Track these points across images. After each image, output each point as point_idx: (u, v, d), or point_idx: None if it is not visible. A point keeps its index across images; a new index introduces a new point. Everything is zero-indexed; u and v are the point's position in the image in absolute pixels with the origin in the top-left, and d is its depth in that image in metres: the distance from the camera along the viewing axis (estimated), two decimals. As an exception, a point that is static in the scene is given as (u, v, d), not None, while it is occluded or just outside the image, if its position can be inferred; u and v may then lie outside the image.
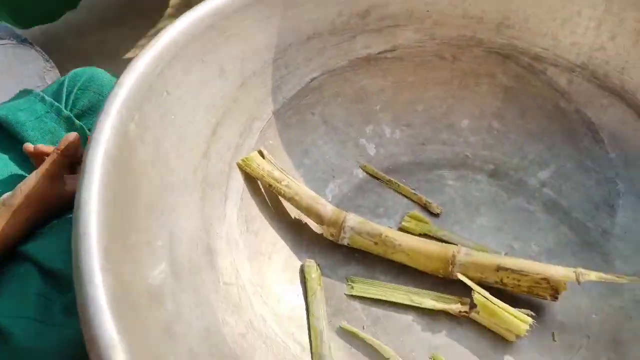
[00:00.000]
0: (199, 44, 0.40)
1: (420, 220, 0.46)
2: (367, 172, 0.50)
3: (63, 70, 0.75)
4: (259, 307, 0.39)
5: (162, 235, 0.34)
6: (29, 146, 0.45)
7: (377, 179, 0.50)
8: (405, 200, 0.48)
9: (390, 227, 0.46)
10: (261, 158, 0.46)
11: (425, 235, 0.45)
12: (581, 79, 0.47)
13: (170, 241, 0.35)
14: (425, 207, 0.47)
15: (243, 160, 0.45)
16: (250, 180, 0.46)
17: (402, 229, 0.46)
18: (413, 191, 0.48)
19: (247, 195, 0.45)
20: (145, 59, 0.35)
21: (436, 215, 0.47)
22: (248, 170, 0.45)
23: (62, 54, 0.85)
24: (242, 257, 0.42)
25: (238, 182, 0.45)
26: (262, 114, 0.48)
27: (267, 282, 0.42)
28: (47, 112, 0.49)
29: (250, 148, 0.47)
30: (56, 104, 0.49)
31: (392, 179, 0.49)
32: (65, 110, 0.49)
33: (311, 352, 0.38)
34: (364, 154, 0.51)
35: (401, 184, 0.49)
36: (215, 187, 0.43)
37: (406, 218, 0.46)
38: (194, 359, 0.29)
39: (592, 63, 0.47)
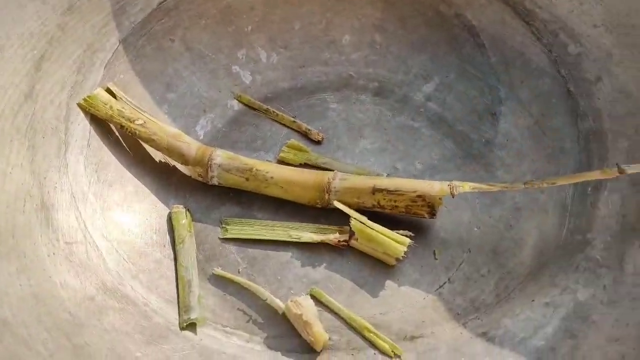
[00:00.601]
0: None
1: (299, 149, 0.43)
2: (243, 103, 0.46)
3: None
4: (114, 264, 0.35)
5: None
6: None
7: (254, 109, 0.45)
8: (285, 129, 0.45)
9: (269, 160, 0.43)
10: (108, 95, 0.41)
11: (305, 165, 0.42)
12: (458, -21, 0.45)
13: (-23, 201, 0.29)
14: (305, 135, 0.44)
15: (85, 100, 0.40)
16: (100, 122, 0.40)
17: (280, 161, 0.43)
18: (293, 119, 0.45)
19: (96, 140, 0.40)
20: None
21: (318, 142, 0.44)
22: (92, 110, 0.40)
23: None
24: (92, 210, 0.37)
25: (82, 125, 0.40)
26: (106, 44, 0.42)
27: (126, 235, 0.38)
28: None
29: (95, 85, 0.41)
30: None
31: (269, 108, 0.45)
32: None
33: (178, 305, 0.35)
34: (238, 83, 0.46)
35: (279, 113, 0.45)
36: (48, 134, 0.37)
37: (284, 148, 0.43)
38: (6, 331, 0.25)
39: (468, -42, 0.44)
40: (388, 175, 0.42)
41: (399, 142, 0.44)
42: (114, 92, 0.41)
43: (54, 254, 0.33)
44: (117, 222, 0.38)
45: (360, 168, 0.42)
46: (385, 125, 0.45)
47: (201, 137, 0.44)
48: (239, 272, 0.38)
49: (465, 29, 0.46)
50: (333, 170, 0.40)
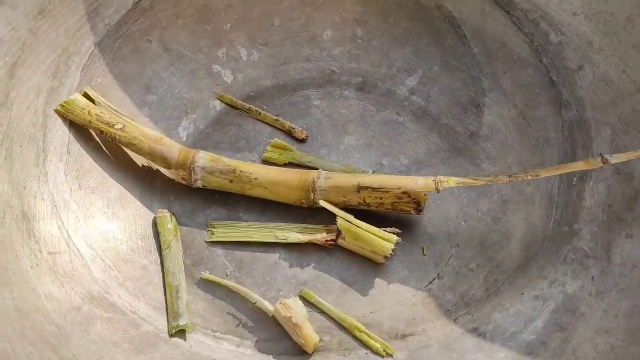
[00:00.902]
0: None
1: (283, 148, 0.43)
2: (225, 102, 0.45)
3: None
4: (100, 273, 0.35)
5: None
6: None
7: (236, 108, 0.45)
8: (268, 128, 0.45)
9: (253, 161, 0.43)
10: (86, 100, 0.40)
11: (290, 164, 0.42)
12: (437, -31, 0.45)
13: (-47, 216, 0.29)
14: (289, 133, 0.44)
15: (62, 105, 0.39)
16: (79, 128, 0.40)
17: (265, 161, 0.42)
18: (276, 117, 0.44)
19: (76, 146, 0.40)
20: None
21: (302, 140, 0.44)
22: (70, 116, 0.39)
23: None
24: (74, 218, 0.37)
25: (61, 132, 0.39)
26: (81, 47, 0.41)
27: (111, 243, 0.37)
28: None
29: (72, 90, 0.40)
30: None
31: (252, 107, 0.45)
32: None
33: (166, 312, 0.35)
34: (220, 83, 0.46)
35: (262, 111, 0.45)
36: (26, 143, 0.36)
37: (268, 148, 0.43)
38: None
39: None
40: (374, 171, 0.42)
41: (383, 137, 0.44)
42: (92, 96, 0.41)
43: (37, 265, 0.32)
44: (101, 229, 0.38)
45: (345, 165, 0.42)
46: (369, 120, 0.45)
47: (184, 139, 0.44)
48: (226, 275, 0.38)
49: (447, 20, 0.46)
50: (317, 169, 0.40)
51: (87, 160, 0.39)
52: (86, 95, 0.41)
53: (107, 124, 0.40)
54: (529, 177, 0.34)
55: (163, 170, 0.41)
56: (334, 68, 0.47)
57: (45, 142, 0.38)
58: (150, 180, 0.41)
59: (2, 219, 0.32)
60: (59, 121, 0.39)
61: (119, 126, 0.40)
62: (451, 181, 0.35)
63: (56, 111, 0.39)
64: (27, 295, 0.30)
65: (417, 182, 0.36)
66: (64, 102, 0.39)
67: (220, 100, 0.46)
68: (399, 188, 0.37)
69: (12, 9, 0.37)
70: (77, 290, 0.33)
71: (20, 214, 0.34)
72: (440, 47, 0.46)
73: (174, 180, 0.41)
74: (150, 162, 0.41)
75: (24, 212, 0.34)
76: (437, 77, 0.46)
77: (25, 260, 0.32)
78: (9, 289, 0.30)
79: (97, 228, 0.37)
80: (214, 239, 0.39)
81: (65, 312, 0.31)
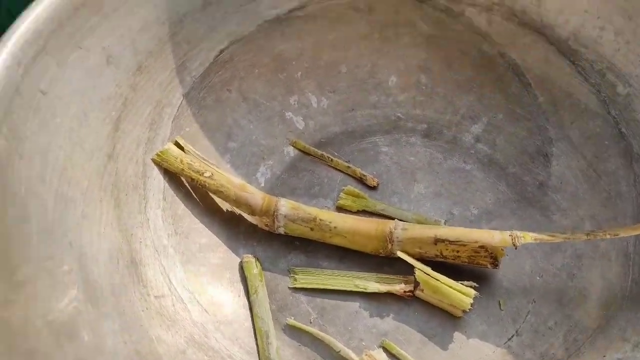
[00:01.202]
0: (70, 29, 0.36)
1: (356, 196, 0.46)
2: (298, 149, 0.49)
3: None
4: (199, 317, 0.39)
5: (68, 259, 0.32)
6: None
7: (309, 154, 0.49)
8: (340, 175, 0.48)
9: (328, 208, 0.46)
10: (178, 149, 0.45)
11: (364, 212, 0.46)
12: (500, 18, 0.47)
13: (81, 263, 0.33)
14: (361, 180, 0.47)
15: (158, 155, 0.43)
16: (172, 175, 0.44)
17: (339, 208, 0.46)
18: (347, 164, 0.48)
19: (170, 193, 0.44)
20: (-1, 60, 0.32)
21: (373, 188, 0.47)
22: (165, 165, 0.44)
23: None
24: (173, 263, 0.41)
25: (157, 180, 0.43)
26: (172, 99, 0.45)
27: (205, 286, 0.41)
28: None
29: (165, 139, 0.45)
30: None
31: (324, 154, 0.48)
32: None
33: (259, 357, 0.39)
34: (292, 129, 0.49)
35: (334, 158, 0.48)
36: (130, 191, 0.41)
37: (342, 195, 0.46)
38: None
39: (508, -2, 0.46)
40: (446, 221, 0.45)
41: (452, 186, 0.47)
42: (183, 145, 0.45)
43: (147, 308, 0.36)
44: (195, 273, 0.42)
45: (418, 214, 0.46)
46: (437, 168, 0.48)
47: (262, 185, 0.47)
48: (310, 322, 0.41)
49: (510, 68, 0.48)
50: (393, 219, 0.43)
51: (180, 207, 0.43)
52: (177, 144, 0.45)
53: (197, 172, 0.44)
54: (608, 236, 0.36)
55: (246, 216, 0.45)
56: (399, 114, 0.50)
57: (145, 190, 0.42)
58: (234, 225, 0.45)
59: (116, 264, 0.37)
60: (156, 170, 0.43)
61: (207, 174, 0.44)
62: (528, 237, 0.38)
63: (153, 160, 0.43)
64: (142, 339, 0.34)
65: (494, 237, 0.39)
66: (160, 151, 0.43)
67: (294, 147, 0.49)
68: (476, 242, 0.39)
69: (116, 67, 0.42)
70: (181, 334, 0.37)
71: (129, 259, 0.38)
72: (504, 95, 0.49)
73: (255, 225, 0.45)
74: (234, 208, 0.45)
75: (133, 257, 0.38)
76: (502, 125, 0.48)
77: (137, 305, 0.36)
78: (128, 333, 0.34)
79: (191, 272, 0.41)
80: (297, 285, 0.43)
81: (173, 355, 0.35)
